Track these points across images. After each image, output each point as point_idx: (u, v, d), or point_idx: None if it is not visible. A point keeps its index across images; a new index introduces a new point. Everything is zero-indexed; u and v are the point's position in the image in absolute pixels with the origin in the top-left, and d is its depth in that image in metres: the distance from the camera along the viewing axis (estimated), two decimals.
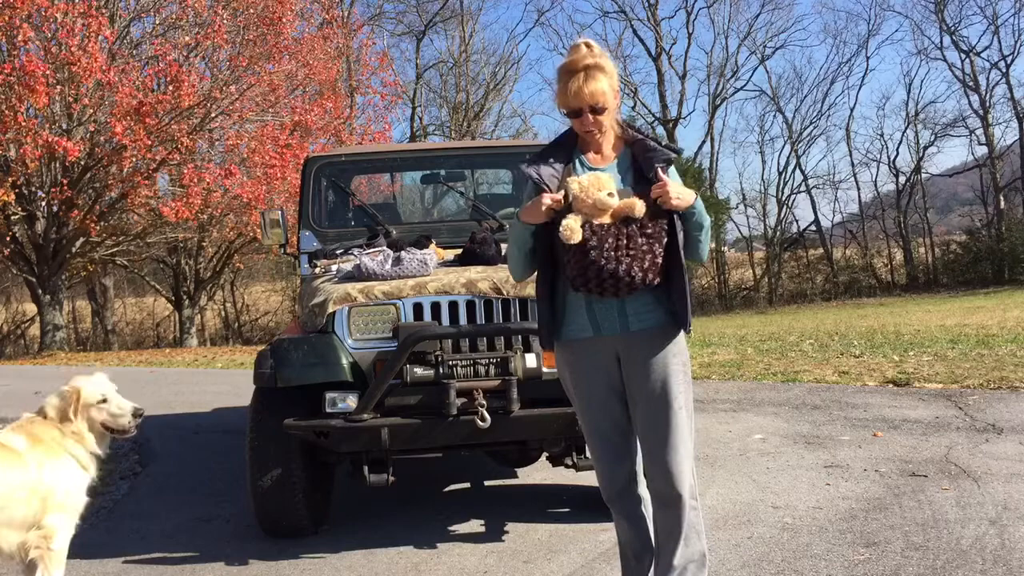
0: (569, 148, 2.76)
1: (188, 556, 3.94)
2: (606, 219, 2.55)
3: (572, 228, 2.51)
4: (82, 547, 4.19)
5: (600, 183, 2.55)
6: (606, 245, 2.51)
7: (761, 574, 3.28)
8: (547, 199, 2.58)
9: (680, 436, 2.58)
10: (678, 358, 2.63)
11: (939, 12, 32.08)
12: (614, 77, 2.66)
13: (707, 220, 2.67)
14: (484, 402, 3.58)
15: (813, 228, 36.09)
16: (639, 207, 2.54)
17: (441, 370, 3.64)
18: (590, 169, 2.69)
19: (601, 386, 2.67)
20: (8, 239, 17.54)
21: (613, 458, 2.72)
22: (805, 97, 46.91)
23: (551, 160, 2.72)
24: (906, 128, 35.31)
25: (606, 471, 2.74)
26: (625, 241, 2.52)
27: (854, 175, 41.46)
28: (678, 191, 2.53)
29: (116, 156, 16.36)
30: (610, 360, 2.65)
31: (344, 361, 3.70)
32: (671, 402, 2.58)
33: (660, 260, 2.53)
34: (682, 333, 2.66)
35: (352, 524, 4.27)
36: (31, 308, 22.84)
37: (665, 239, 2.55)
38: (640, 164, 2.64)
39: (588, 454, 2.93)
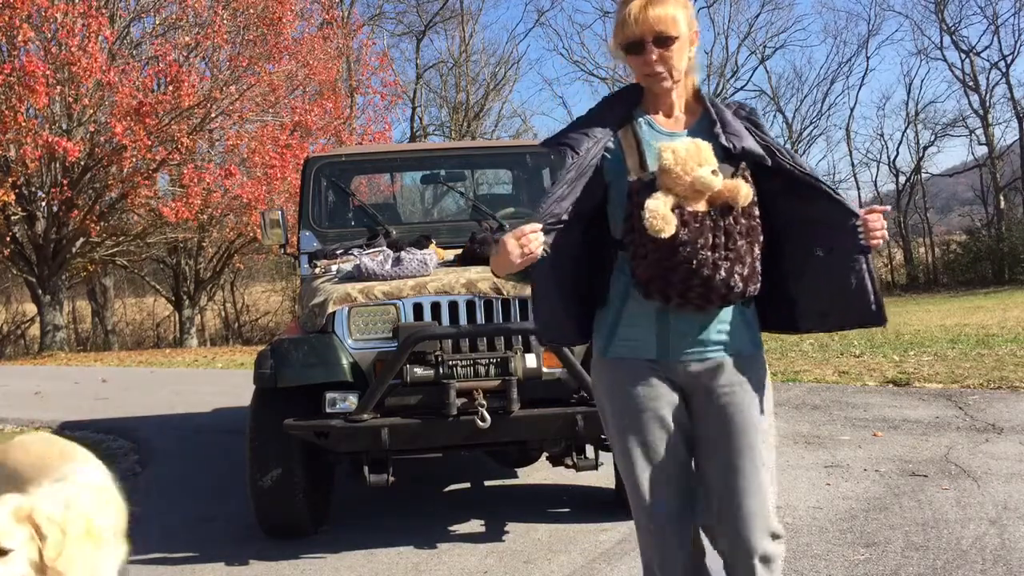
0: (628, 106, 2.12)
1: (188, 556, 3.94)
2: (701, 205, 1.95)
3: (664, 216, 1.90)
4: None
5: (701, 155, 1.94)
6: (700, 241, 1.91)
7: None
8: (514, 246, 1.91)
9: (758, 498, 2.03)
10: (765, 397, 2.08)
11: (939, 12, 32.04)
12: (690, 11, 2.05)
13: None
14: (484, 402, 3.58)
15: None
16: (745, 192, 1.96)
17: (441, 370, 3.64)
18: (661, 134, 2.06)
19: (671, 423, 2.07)
20: (8, 239, 17.53)
21: (663, 487, 2.09)
22: (805, 97, 46.80)
23: (598, 123, 2.08)
24: (906, 128, 35.28)
25: (654, 496, 2.08)
26: (724, 238, 1.94)
27: (854, 175, 41.44)
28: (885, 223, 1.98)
29: (116, 156, 16.35)
30: (671, 392, 2.07)
31: (344, 361, 3.70)
32: (754, 454, 2.03)
33: (759, 265, 1.99)
34: (766, 366, 2.12)
35: (352, 524, 4.27)
36: (31, 308, 22.82)
37: (763, 236, 2.01)
38: (728, 133, 2.03)
39: (616, 465, 2.27)
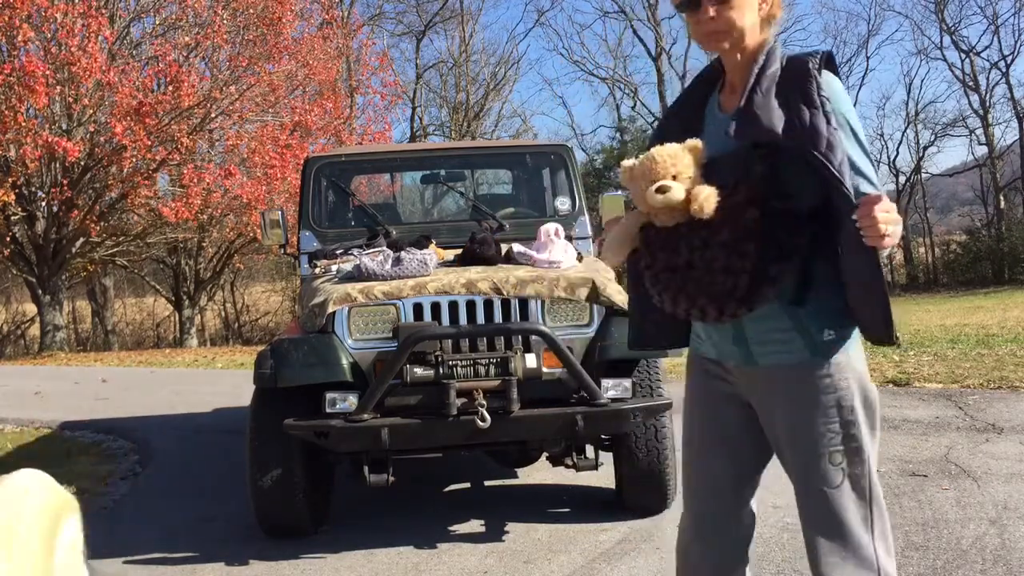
0: (712, 81, 1.93)
1: (188, 556, 3.94)
2: (670, 219, 1.75)
3: (610, 244, 1.87)
4: None
5: (653, 167, 1.73)
6: (656, 264, 1.77)
7: (761, 574, 3.28)
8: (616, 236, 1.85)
9: (830, 531, 1.82)
10: (831, 411, 1.79)
11: (939, 12, 32.06)
12: None
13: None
14: (484, 402, 3.59)
15: None
16: (701, 201, 1.68)
17: (441, 370, 3.64)
18: (715, 119, 1.86)
19: (711, 424, 1.96)
20: (8, 239, 17.52)
21: (704, 526, 2.00)
22: None
23: (687, 106, 1.93)
24: (906, 128, 35.31)
25: (688, 538, 2.02)
26: (686, 255, 1.72)
27: None
28: (889, 218, 1.58)
29: (116, 156, 16.35)
30: (731, 397, 1.92)
31: (344, 361, 3.70)
32: (817, 480, 1.82)
33: (748, 279, 1.69)
34: (836, 372, 1.79)
35: (352, 524, 4.27)
36: (31, 308, 22.81)
37: (754, 243, 1.69)
38: (743, 120, 1.75)
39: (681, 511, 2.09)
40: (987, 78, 31.90)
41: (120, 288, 30.23)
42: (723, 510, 1.98)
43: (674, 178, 1.72)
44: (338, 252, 4.57)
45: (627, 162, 1.81)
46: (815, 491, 1.83)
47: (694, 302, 1.73)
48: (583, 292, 3.79)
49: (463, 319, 3.79)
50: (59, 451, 6.70)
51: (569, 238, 4.51)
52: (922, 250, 34.22)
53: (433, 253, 4.19)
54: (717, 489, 1.97)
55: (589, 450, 4.10)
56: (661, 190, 1.71)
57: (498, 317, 3.80)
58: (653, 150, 1.77)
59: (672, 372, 6.21)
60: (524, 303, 3.80)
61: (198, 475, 5.63)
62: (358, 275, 4.01)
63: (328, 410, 3.66)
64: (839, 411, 1.79)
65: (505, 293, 3.77)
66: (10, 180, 16.21)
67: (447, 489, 4.94)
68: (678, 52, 35.97)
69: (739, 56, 1.81)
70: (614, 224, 1.88)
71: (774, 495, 4.29)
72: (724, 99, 1.88)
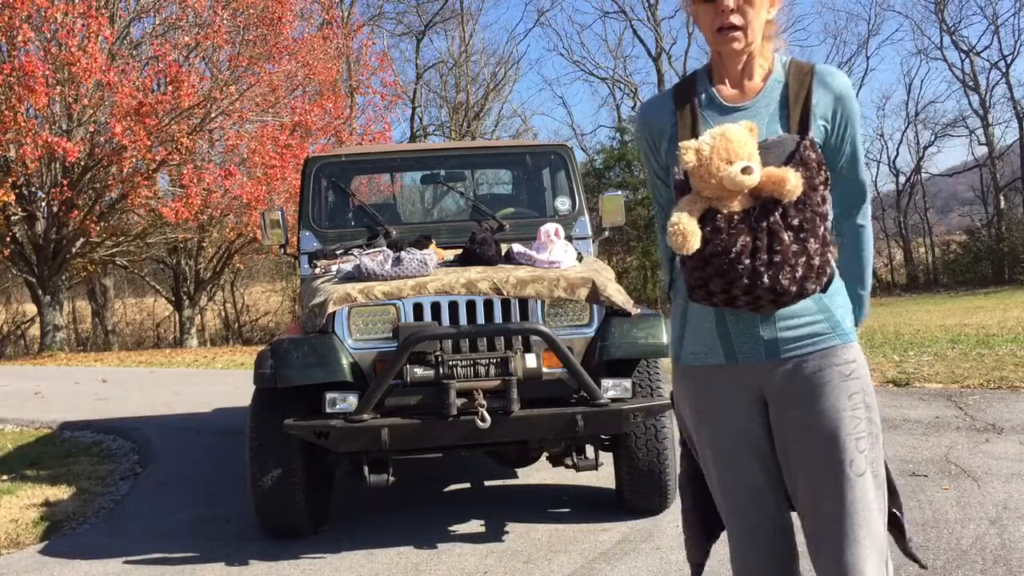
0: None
1: (188, 556, 3.94)
2: (738, 204, 1.69)
3: (684, 231, 1.67)
4: (82, 547, 4.20)
5: (731, 148, 1.66)
6: (734, 250, 1.67)
7: None
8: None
9: (858, 518, 1.77)
10: (856, 396, 1.78)
11: (939, 12, 32.03)
12: None
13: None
14: (484, 402, 3.59)
15: None
16: (791, 185, 1.65)
17: (441, 370, 3.64)
18: (720, 110, 1.81)
19: (733, 437, 1.89)
20: (8, 239, 17.52)
21: (750, 539, 1.93)
22: None
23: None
24: (906, 128, 35.32)
25: (739, 555, 1.95)
26: (766, 240, 1.67)
27: None
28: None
29: (116, 156, 16.34)
30: (748, 401, 1.86)
31: (344, 361, 3.70)
32: (844, 466, 1.76)
33: (819, 260, 1.70)
34: (859, 359, 1.82)
35: (352, 524, 4.27)
36: (31, 308, 22.79)
37: (823, 224, 1.72)
38: (798, 99, 1.77)
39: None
40: (987, 78, 31.89)
41: (120, 288, 30.21)
42: (768, 516, 1.94)
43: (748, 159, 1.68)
44: (338, 252, 4.56)
45: (691, 143, 1.69)
46: (841, 479, 1.77)
47: (775, 283, 1.68)
48: (583, 292, 3.79)
49: (463, 319, 3.79)
50: (59, 451, 6.70)
51: (569, 238, 4.51)
52: (922, 250, 34.20)
53: (433, 253, 4.19)
54: (759, 499, 1.92)
55: (589, 450, 4.10)
56: (747, 171, 1.64)
57: (498, 317, 3.80)
58: (725, 128, 1.70)
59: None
60: (524, 303, 3.80)
61: (198, 475, 5.63)
62: (358, 275, 4.01)
63: (328, 410, 3.66)
64: (863, 396, 1.80)
65: (505, 293, 3.77)
66: (10, 180, 16.21)
67: (447, 489, 4.94)
68: (678, 52, 36.00)
69: (743, 56, 1.80)
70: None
71: None
72: (724, 92, 1.84)
